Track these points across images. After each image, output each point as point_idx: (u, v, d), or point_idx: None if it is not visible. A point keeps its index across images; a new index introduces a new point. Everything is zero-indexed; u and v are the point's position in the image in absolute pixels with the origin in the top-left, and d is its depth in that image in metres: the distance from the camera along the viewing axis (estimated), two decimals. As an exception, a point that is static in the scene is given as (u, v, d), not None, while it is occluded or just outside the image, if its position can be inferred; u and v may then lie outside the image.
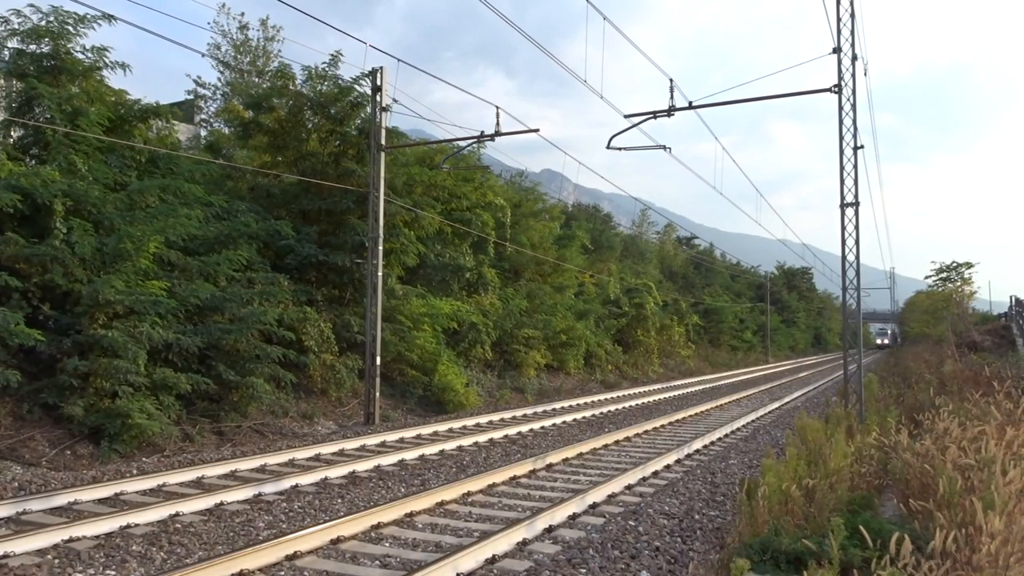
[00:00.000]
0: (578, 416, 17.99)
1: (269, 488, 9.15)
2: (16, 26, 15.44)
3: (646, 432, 15.46)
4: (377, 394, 16.32)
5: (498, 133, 16.48)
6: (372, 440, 13.14)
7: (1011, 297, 36.20)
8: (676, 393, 26.20)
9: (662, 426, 16.59)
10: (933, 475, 5.84)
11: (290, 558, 6.50)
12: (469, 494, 9.19)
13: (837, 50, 14.56)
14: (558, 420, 17.00)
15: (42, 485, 9.15)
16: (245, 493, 8.83)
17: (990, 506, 4.51)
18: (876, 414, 12.12)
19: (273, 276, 16.02)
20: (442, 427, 15.18)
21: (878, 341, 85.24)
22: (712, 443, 14.20)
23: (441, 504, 8.61)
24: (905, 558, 3.97)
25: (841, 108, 14.64)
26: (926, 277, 41.22)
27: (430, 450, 12.37)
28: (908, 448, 7.35)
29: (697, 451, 13.18)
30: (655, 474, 10.87)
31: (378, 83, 16.90)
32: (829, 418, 10.62)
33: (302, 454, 11.58)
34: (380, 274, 16.83)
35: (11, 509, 7.79)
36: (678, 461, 12.04)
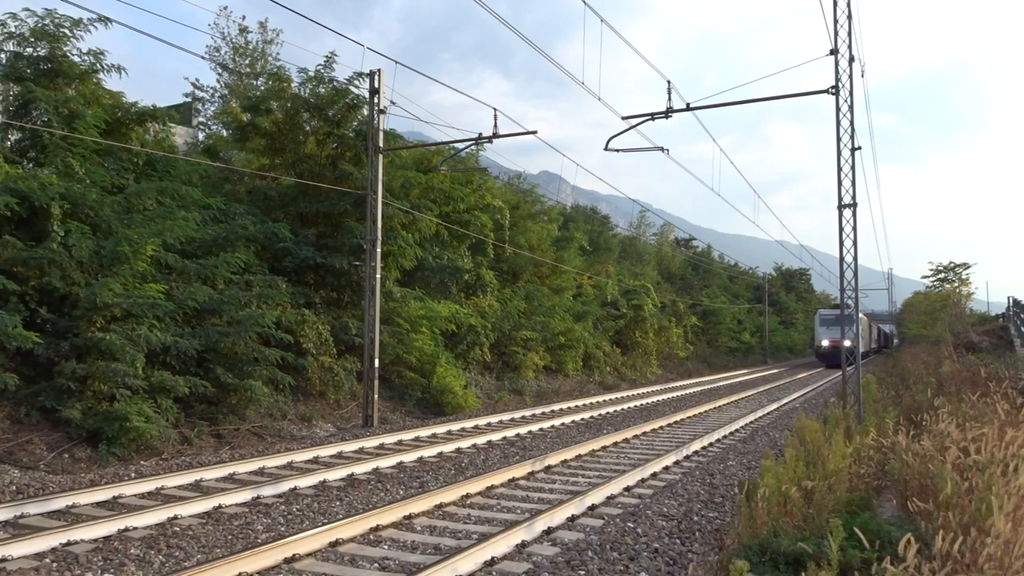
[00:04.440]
0: (576, 418, 17.98)
1: (267, 491, 9.14)
2: (12, 29, 15.44)
3: (644, 434, 15.46)
4: (375, 396, 16.30)
5: (496, 135, 16.50)
6: (370, 443, 13.13)
7: (1009, 298, 36.20)
8: (674, 395, 26.20)
9: (660, 428, 16.59)
10: (933, 476, 5.84)
11: (288, 561, 6.49)
12: (468, 496, 9.18)
13: (834, 51, 14.59)
14: (556, 422, 16.99)
15: (40, 488, 9.13)
16: (243, 496, 8.82)
17: (1000, 508, 4.51)
18: (874, 415, 12.13)
19: (271, 279, 16.00)
20: (440, 429, 15.17)
21: (824, 342, 46.58)
22: (710, 444, 14.20)
23: (440, 506, 8.60)
24: (909, 560, 3.97)
25: (839, 109, 14.66)
26: (923, 277, 41.29)
27: (428, 452, 12.36)
28: (907, 449, 7.35)
29: (696, 452, 13.17)
30: (654, 476, 10.86)
31: (375, 85, 16.91)
32: (827, 419, 10.62)
33: (300, 457, 11.57)
34: (378, 276, 16.83)
35: (9, 513, 7.78)
36: (677, 463, 12.04)
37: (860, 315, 47.18)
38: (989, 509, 4.49)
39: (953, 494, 5.16)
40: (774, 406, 21.49)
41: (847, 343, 34.54)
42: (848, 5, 14.76)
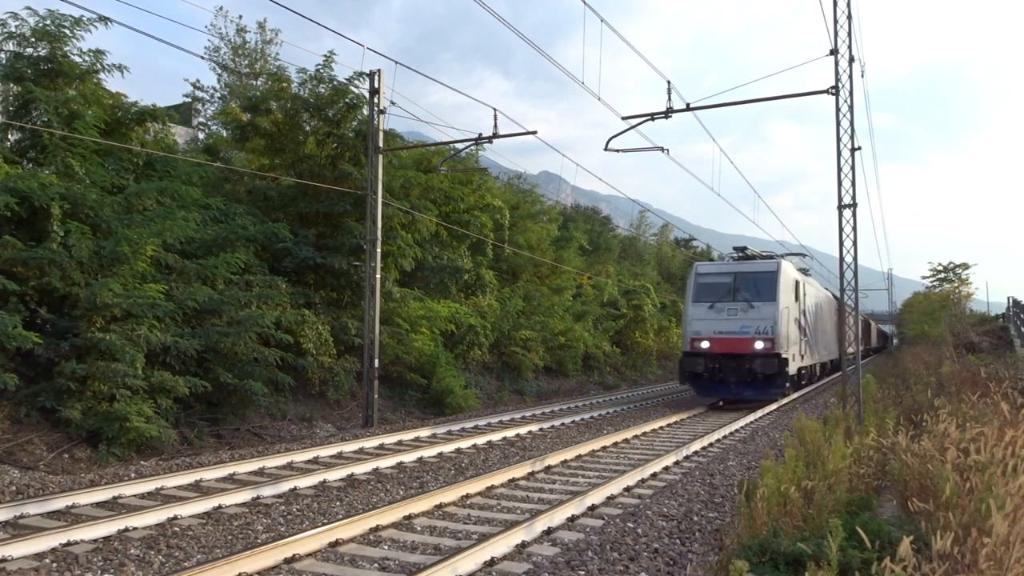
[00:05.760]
0: (577, 418, 17.98)
1: (267, 491, 9.14)
2: (13, 29, 15.45)
3: (644, 434, 15.46)
4: (375, 396, 16.30)
5: (496, 135, 16.53)
6: (370, 443, 13.13)
7: (1009, 298, 36.23)
8: (675, 395, 26.20)
9: (660, 428, 16.58)
10: (933, 477, 5.84)
11: (288, 561, 6.49)
12: (468, 496, 9.18)
13: (834, 52, 14.59)
14: (556, 422, 16.98)
15: (40, 489, 9.13)
16: (243, 496, 8.82)
17: (1000, 508, 4.50)
18: (874, 415, 12.12)
19: (271, 279, 16.01)
20: (440, 429, 15.16)
21: (703, 342, 19.81)
22: (710, 445, 14.20)
23: (440, 507, 8.60)
24: (906, 560, 3.97)
25: (839, 110, 14.67)
26: (924, 278, 41.30)
27: (428, 452, 12.36)
28: (907, 449, 7.34)
29: (696, 453, 13.17)
30: (654, 476, 10.86)
31: (375, 85, 16.92)
32: (827, 419, 10.63)
33: (300, 457, 11.56)
34: (378, 276, 16.83)
35: (9, 513, 7.77)
36: (676, 463, 12.03)
37: (812, 282, 23.98)
38: (989, 509, 4.49)
39: (953, 495, 5.17)
40: (774, 406, 21.47)
41: (760, 344, 17.99)
42: (848, 5, 14.78)
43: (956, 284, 37.84)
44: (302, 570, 6.37)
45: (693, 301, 20.14)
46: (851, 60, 14.64)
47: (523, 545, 7.07)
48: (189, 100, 29.92)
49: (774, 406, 18.81)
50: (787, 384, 19.38)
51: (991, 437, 6.36)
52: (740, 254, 21.20)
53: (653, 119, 15.66)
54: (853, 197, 14.82)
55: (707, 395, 20.69)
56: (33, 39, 15.50)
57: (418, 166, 23.01)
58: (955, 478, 5.39)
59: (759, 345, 18.35)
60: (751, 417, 18.38)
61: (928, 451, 6.87)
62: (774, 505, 6.23)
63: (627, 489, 9.84)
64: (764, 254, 21.31)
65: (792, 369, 19.33)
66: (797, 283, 20.53)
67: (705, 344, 19.27)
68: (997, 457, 5.78)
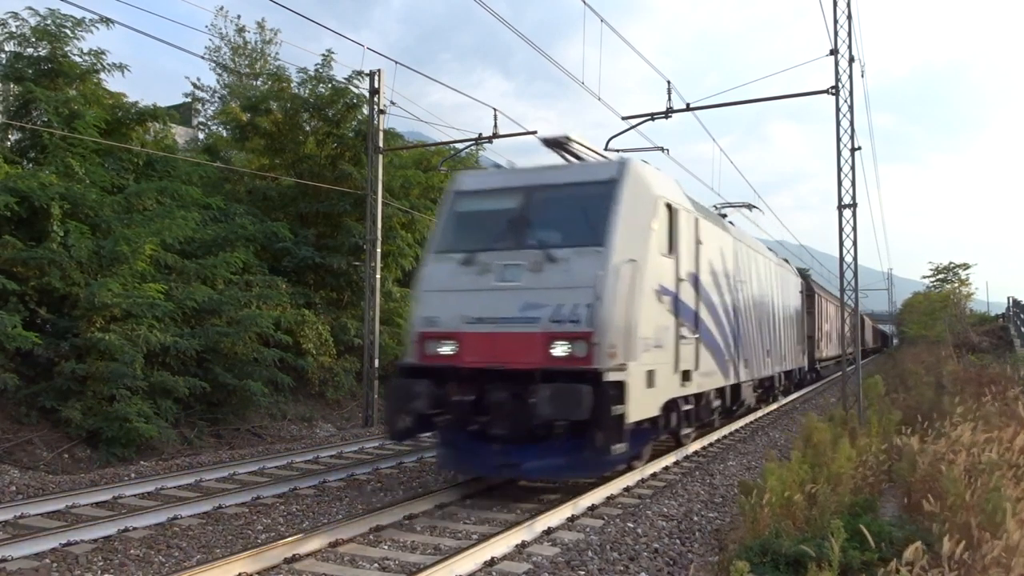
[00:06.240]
0: (577, 418, 17.91)
1: (267, 491, 9.13)
2: (13, 29, 15.43)
3: (645, 434, 15.42)
4: (376, 396, 16.28)
5: (496, 135, 16.54)
6: (371, 443, 13.11)
7: (1009, 298, 36.23)
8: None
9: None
10: (940, 478, 5.80)
11: (288, 561, 6.48)
12: (468, 496, 9.18)
13: (834, 52, 14.58)
14: (557, 422, 16.93)
15: (39, 489, 9.12)
16: (243, 496, 8.81)
17: (1014, 513, 4.48)
18: (878, 416, 12.09)
19: (271, 279, 16.00)
20: (441, 429, 15.13)
21: (445, 348, 8.69)
22: (710, 444, 14.16)
23: (440, 507, 8.59)
24: (916, 563, 3.95)
25: (839, 110, 14.65)
26: (924, 278, 41.28)
27: (429, 453, 12.34)
28: (920, 451, 7.28)
29: (696, 452, 13.14)
30: (653, 476, 10.83)
31: (375, 85, 16.91)
32: (835, 419, 10.59)
33: (300, 457, 11.55)
34: (378, 276, 16.82)
35: (9, 513, 7.76)
36: (676, 463, 12.01)
37: (736, 231, 13.21)
38: (998, 512, 4.46)
39: (962, 496, 5.13)
40: (773, 406, 21.44)
41: (560, 349, 7.98)
42: (848, 5, 14.76)
43: (956, 284, 37.81)
44: (302, 570, 6.36)
45: (436, 250, 9.53)
46: (851, 60, 14.63)
47: (523, 545, 7.06)
48: (189, 100, 29.91)
49: (775, 405, 17.59)
50: (621, 442, 8.18)
51: (1004, 440, 6.32)
52: (556, 152, 10.32)
53: (653, 119, 15.63)
54: (853, 197, 14.81)
55: (455, 463, 9.64)
56: (34, 39, 15.48)
57: (418, 166, 22.97)
58: (964, 480, 5.36)
59: (558, 351, 8.15)
60: (751, 417, 18.22)
61: (938, 452, 6.82)
62: (776, 506, 6.22)
63: (627, 489, 9.81)
64: (604, 156, 10.82)
65: (639, 409, 8.64)
66: (672, 212, 9.87)
67: (448, 348, 8.80)
68: (1007, 459, 5.75)
